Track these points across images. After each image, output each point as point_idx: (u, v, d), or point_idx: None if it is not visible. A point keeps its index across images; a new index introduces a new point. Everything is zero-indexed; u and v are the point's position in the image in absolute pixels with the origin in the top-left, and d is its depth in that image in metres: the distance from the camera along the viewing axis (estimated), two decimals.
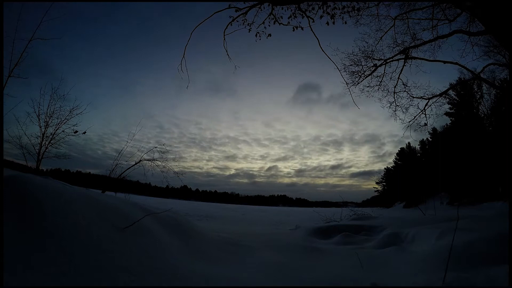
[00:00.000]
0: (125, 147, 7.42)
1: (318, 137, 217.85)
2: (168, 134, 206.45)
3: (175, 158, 7.76)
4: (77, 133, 6.60)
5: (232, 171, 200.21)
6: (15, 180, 2.92)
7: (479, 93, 24.93)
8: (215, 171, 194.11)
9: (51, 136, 6.49)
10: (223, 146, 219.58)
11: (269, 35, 5.93)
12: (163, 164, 7.46)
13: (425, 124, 9.75)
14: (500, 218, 5.41)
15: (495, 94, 22.44)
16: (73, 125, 6.60)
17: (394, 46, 8.95)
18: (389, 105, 9.68)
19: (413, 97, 9.56)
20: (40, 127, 6.41)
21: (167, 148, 7.65)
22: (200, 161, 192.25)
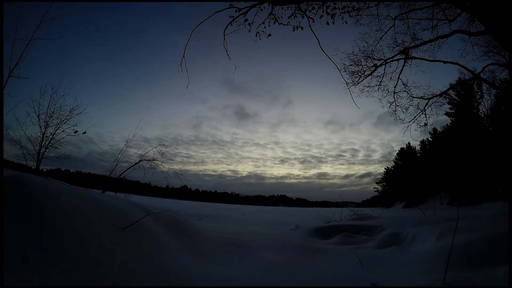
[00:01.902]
0: (125, 147, 7.41)
1: (339, 146, 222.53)
2: (199, 141, 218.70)
3: (175, 159, 7.77)
4: (77, 133, 6.60)
5: (245, 173, 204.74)
6: (15, 180, 2.92)
7: (479, 93, 24.97)
8: (228, 173, 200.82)
9: (51, 136, 6.49)
10: (249, 153, 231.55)
11: (269, 35, 5.94)
12: (163, 164, 7.46)
13: (425, 124, 9.74)
14: (500, 218, 5.40)
15: (495, 94, 22.46)
16: (73, 125, 6.60)
17: (394, 46, 8.95)
18: (389, 105, 9.68)
19: (413, 97, 9.56)
20: (40, 127, 6.40)
21: (167, 148, 7.65)
22: (219, 165, 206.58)
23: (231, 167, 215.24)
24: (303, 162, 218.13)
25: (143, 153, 7.42)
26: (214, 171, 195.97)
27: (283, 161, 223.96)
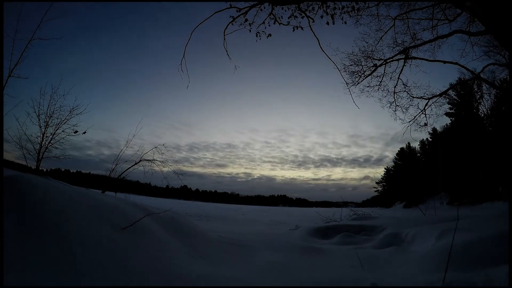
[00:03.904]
0: (125, 148, 7.40)
1: (355, 153, 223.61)
2: (230, 148, 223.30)
3: (175, 159, 7.80)
4: (77, 133, 6.60)
5: (256, 175, 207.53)
6: (15, 180, 2.92)
7: (479, 93, 24.89)
8: (242, 175, 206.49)
9: (51, 136, 6.48)
10: (272, 158, 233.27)
11: (269, 35, 5.94)
12: (163, 164, 7.46)
13: (425, 124, 9.74)
14: (500, 218, 5.40)
15: (495, 94, 22.42)
16: (73, 125, 6.59)
17: (394, 46, 8.96)
18: (389, 105, 9.68)
19: (413, 97, 9.55)
20: (40, 127, 6.39)
21: (167, 149, 7.66)
22: (238, 169, 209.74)
23: (247, 170, 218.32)
24: (318, 166, 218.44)
25: (143, 153, 7.43)
26: (228, 174, 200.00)
27: (300, 164, 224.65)
